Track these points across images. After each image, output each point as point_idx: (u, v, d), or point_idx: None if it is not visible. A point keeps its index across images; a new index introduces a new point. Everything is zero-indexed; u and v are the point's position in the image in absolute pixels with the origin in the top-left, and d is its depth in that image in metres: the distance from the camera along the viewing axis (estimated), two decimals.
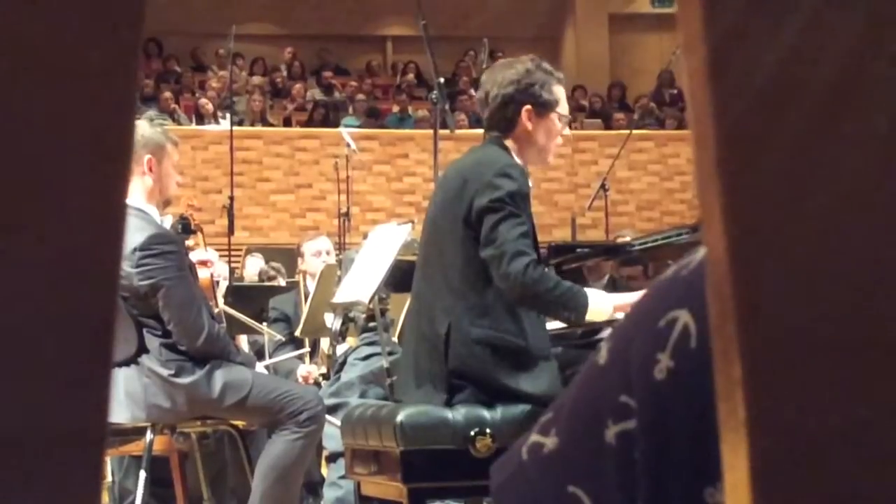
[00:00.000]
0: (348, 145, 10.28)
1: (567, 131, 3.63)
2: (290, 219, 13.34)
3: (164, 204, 4.19)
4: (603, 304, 3.36)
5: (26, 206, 0.50)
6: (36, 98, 0.50)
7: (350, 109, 15.35)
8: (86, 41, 0.50)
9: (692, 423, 1.01)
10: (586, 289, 3.43)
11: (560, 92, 3.59)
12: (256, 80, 15.82)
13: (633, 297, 3.37)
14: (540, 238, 3.50)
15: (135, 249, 3.82)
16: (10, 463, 0.50)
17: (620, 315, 3.35)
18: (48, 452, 0.50)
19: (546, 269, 3.36)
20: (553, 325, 3.67)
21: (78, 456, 0.51)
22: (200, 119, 14.18)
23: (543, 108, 3.52)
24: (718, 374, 0.54)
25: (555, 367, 3.37)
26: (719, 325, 0.54)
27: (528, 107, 3.50)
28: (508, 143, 3.51)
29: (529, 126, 3.50)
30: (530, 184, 3.44)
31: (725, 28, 0.52)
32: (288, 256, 8.51)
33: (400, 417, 3.23)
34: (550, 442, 1.15)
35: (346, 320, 5.02)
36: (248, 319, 6.08)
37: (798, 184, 0.53)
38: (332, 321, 5.10)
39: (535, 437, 1.18)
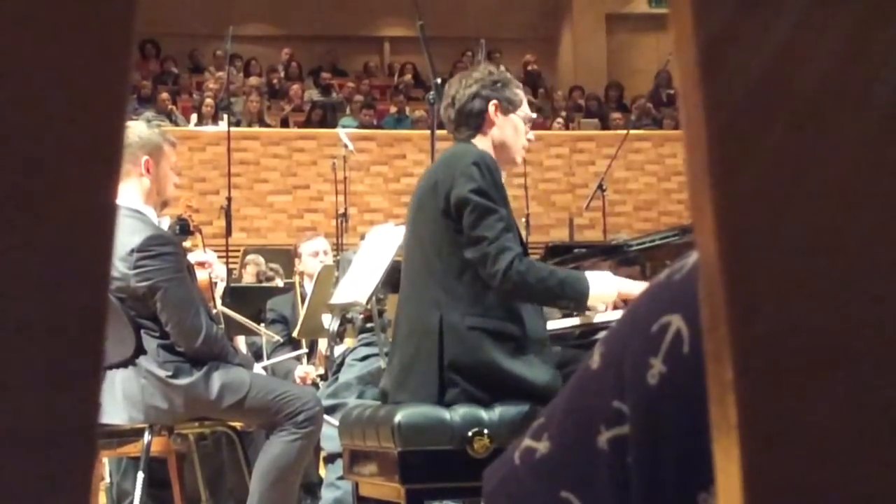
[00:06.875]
0: (346, 146, 10.28)
1: (531, 135, 3.65)
2: (287, 220, 13.35)
3: (162, 205, 4.19)
4: (606, 289, 3.34)
5: (15, 207, 0.50)
6: (25, 98, 0.50)
7: (347, 110, 15.36)
8: (76, 40, 0.50)
9: (685, 428, 1.01)
10: (588, 272, 3.41)
11: (522, 95, 3.65)
12: (254, 81, 15.83)
13: (638, 285, 3.35)
14: (537, 238, 3.52)
15: (132, 251, 3.81)
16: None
17: (626, 298, 3.33)
18: (38, 453, 0.50)
19: (534, 260, 3.34)
20: (551, 325, 3.66)
21: (69, 457, 0.51)
22: (201, 119, 14.18)
23: (509, 104, 3.57)
24: (710, 376, 0.54)
25: (552, 356, 3.36)
26: (711, 327, 0.54)
27: (495, 101, 3.54)
28: (476, 141, 3.53)
29: (497, 120, 3.53)
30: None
31: (716, 29, 0.52)
32: (285, 257, 8.50)
33: (398, 418, 3.23)
34: (543, 447, 1.15)
35: (344, 321, 5.03)
36: (246, 320, 6.07)
37: (790, 184, 0.53)
38: (330, 322, 5.10)
39: (527, 442, 1.17)
